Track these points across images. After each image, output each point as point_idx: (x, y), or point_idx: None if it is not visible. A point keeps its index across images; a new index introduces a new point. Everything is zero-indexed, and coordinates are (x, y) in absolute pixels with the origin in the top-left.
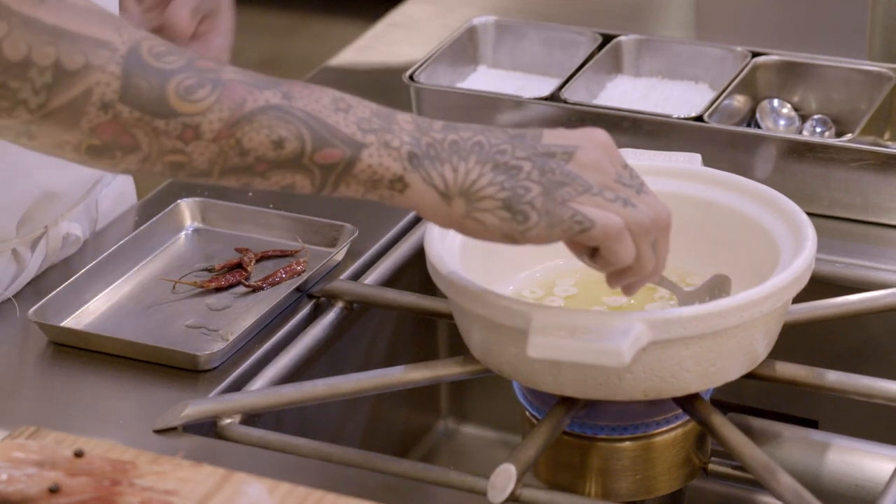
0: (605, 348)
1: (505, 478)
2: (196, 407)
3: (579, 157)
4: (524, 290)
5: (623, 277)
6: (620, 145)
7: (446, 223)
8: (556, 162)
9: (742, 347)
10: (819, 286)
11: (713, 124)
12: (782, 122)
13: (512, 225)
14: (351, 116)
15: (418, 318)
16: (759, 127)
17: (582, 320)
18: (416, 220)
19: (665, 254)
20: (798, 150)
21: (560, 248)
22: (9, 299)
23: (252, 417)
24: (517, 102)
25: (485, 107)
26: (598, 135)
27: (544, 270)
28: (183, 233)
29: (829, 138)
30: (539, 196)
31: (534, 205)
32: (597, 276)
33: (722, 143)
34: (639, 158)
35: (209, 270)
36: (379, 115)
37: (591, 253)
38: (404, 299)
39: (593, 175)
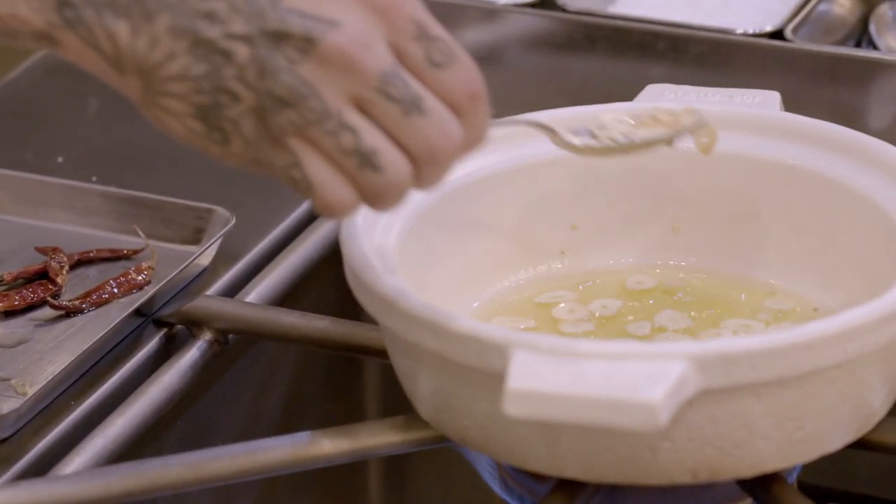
0: (627, 401)
1: None
2: None
3: (329, 46)
4: (501, 314)
5: None
6: (655, 77)
7: (125, 94)
8: (288, 54)
9: (847, 400)
10: None
11: (800, 44)
12: None
13: (206, 143)
14: None
15: (333, 357)
16: (874, 47)
17: (590, 357)
18: None
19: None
20: None
21: (558, 245)
22: None
23: None
24: (489, 11)
25: (438, 17)
26: None
27: (533, 279)
28: None
29: None
30: (248, 116)
31: (239, 127)
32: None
33: (815, 73)
34: (682, 100)
35: None
36: None
37: None
38: (310, 327)
39: (341, 84)
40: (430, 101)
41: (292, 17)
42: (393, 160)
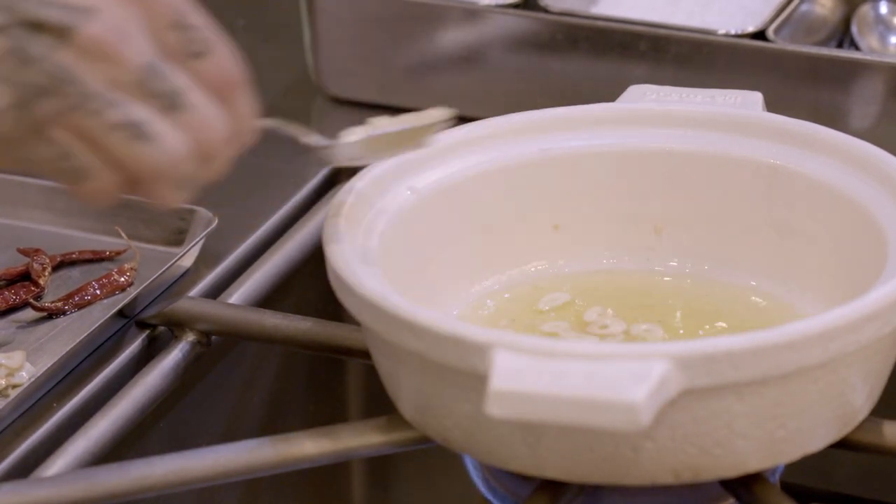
0: (609, 402)
1: None
2: None
3: (85, 35)
4: (482, 314)
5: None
6: (637, 77)
7: None
8: (45, 43)
9: (829, 399)
10: None
11: (782, 44)
12: (894, 41)
13: None
14: None
15: (315, 358)
16: (855, 48)
17: (572, 357)
18: (309, 204)
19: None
20: None
21: (540, 246)
22: None
23: None
24: (470, 12)
25: (420, 18)
26: None
27: (515, 280)
28: None
29: None
30: (10, 110)
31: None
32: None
33: (797, 73)
34: (663, 101)
35: None
36: None
37: None
38: (292, 328)
39: (101, 72)
40: (191, 95)
41: (45, 7)
42: (163, 131)
